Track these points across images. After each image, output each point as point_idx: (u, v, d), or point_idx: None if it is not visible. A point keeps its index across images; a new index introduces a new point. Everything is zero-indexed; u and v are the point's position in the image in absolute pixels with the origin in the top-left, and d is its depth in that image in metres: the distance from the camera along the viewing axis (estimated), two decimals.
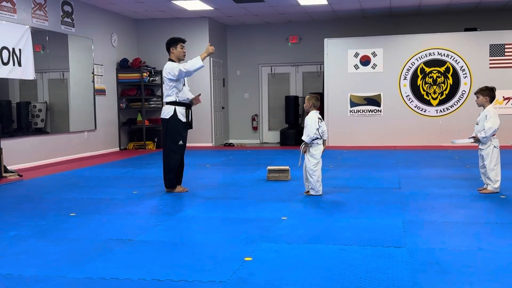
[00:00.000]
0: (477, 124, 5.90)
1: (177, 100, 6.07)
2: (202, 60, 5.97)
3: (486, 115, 5.79)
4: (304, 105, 6.01)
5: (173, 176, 6.20)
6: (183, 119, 6.11)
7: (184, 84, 6.14)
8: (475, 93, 6.02)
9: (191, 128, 6.29)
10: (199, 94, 6.38)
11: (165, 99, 6.16)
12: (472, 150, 6.20)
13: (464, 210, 5.11)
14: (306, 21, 13.29)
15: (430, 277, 3.20)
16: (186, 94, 6.16)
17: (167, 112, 6.10)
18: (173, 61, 6.11)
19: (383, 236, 4.13)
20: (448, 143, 11.37)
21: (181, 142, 6.13)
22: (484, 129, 5.74)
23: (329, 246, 3.89)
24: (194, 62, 5.97)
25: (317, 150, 5.80)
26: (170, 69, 6.00)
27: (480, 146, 5.89)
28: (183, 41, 6.22)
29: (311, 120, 5.77)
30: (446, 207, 5.22)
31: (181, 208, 5.43)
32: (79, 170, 8.51)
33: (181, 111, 6.09)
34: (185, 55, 6.21)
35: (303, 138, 5.80)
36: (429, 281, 3.13)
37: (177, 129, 6.10)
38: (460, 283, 3.09)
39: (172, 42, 6.17)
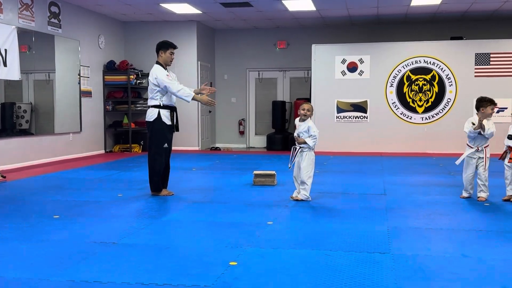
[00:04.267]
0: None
1: (161, 104, 6.05)
2: (192, 99, 6.03)
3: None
4: (303, 111, 5.83)
5: (158, 180, 6.17)
6: (168, 122, 6.09)
7: None
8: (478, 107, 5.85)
9: (177, 130, 6.27)
10: (205, 83, 6.45)
11: (149, 103, 6.12)
12: (457, 158, 6.24)
13: (449, 217, 5.15)
14: (294, 27, 13.34)
15: (414, 283, 3.21)
16: (171, 98, 6.13)
17: (151, 115, 6.07)
18: (160, 64, 6.09)
19: (368, 242, 4.14)
20: (433, 150, 11.47)
21: (165, 145, 6.10)
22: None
23: (314, 251, 3.89)
24: (185, 93, 5.95)
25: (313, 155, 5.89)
26: (159, 78, 5.94)
27: (479, 155, 5.89)
28: (174, 47, 6.19)
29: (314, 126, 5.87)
30: (431, 213, 5.25)
31: (166, 212, 5.41)
32: (63, 172, 8.43)
33: (165, 114, 6.06)
34: (172, 61, 6.19)
35: (312, 142, 5.83)
36: (413, 287, 3.15)
37: (162, 132, 6.06)
38: None
39: (163, 46, 6.14)
